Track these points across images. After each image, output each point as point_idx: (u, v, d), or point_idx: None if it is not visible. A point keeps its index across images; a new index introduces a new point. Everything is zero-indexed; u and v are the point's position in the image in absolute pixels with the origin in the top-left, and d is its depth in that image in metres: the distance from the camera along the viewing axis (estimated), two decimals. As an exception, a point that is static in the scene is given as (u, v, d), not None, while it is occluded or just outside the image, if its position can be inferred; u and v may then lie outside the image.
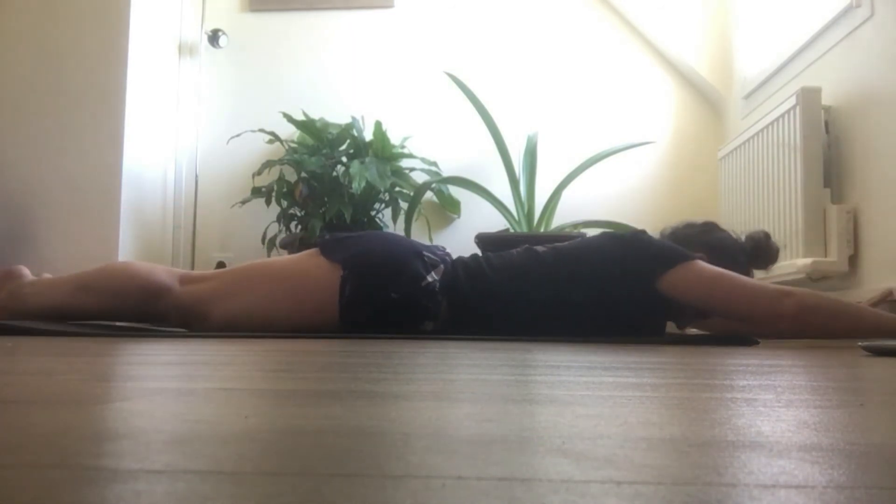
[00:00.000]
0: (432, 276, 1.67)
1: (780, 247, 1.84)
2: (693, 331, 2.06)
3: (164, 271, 1.73)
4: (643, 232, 1.75)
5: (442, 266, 1.70)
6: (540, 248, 1.75)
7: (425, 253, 1.71)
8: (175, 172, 3.32)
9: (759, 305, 1.55)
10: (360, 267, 1.67)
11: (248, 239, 3.27)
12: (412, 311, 1.67)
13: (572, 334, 1.65)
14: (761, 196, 2.51)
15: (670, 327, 1.83)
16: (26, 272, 1.79)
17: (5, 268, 1.80)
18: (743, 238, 1.84)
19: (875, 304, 1.76)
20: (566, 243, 1.76)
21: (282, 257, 1.77)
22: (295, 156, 2.96)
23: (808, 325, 1.54)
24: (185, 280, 1.72)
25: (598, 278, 1.65)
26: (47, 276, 1.87)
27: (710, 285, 1.58)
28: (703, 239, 1.79)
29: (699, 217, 1.94)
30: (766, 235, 1.82)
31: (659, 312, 1.69)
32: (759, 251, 1.80)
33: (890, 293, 1.81)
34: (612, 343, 1.50)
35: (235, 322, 1.68)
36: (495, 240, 2.63)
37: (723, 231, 1.85)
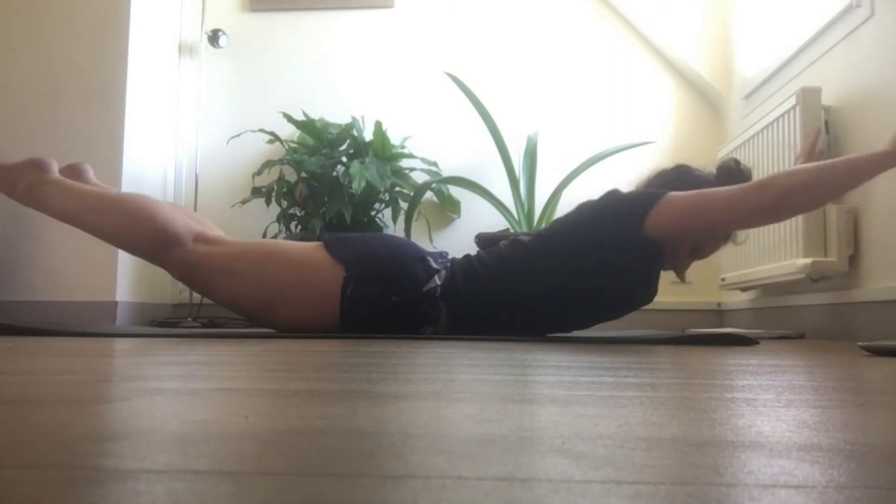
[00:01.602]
0: (434, 282, 1.68)
1: (750, 168, 1.86)
2: (693, 331, 2.05)
3: (183, 222, 1.71)
4: (614, 190, 1.76)
5: (444, 272, 1.70)
6: (525, 238, 1.76)
7: (428, 258, 1.72)
8: (175, 172, 3.32)
9: (743, 207, 1.56)
10: (362, 268, 1.67)
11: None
12: (412, 315, 1.67)
13: (576, 320, 1.66)
14: (761, 196, 2.51)
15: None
16: (55, 167, 1.78)
17: (35, 157, 1.79)
18: (714, 171, 1.86)
19: (811, 149, 1.82)
20: (545, 228, 1.77)
21: (291, 242, 1.76)
22: (295, 156, 2.95)
23: (797, 202, 1.56)
24: (199, 238, 1.70)
25: (587, 247, 1.66)
26: (89, 172, 1.84)
27: (691, 208, 1.60)
28: (679, 183, 1.81)
29: (669, 163, 1.95)
30: (735, 161, 1.85)
31: (652, 259, 1.68)
32: (732, 177, 1.82)
33: (818, 132, 1.86)
34: (612, 343, 1.50)
35: (235, 298, 1.68)
36: (495, 240, 2.63)
37: (695, 169, 1.87)
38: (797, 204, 1.56)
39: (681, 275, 1.84)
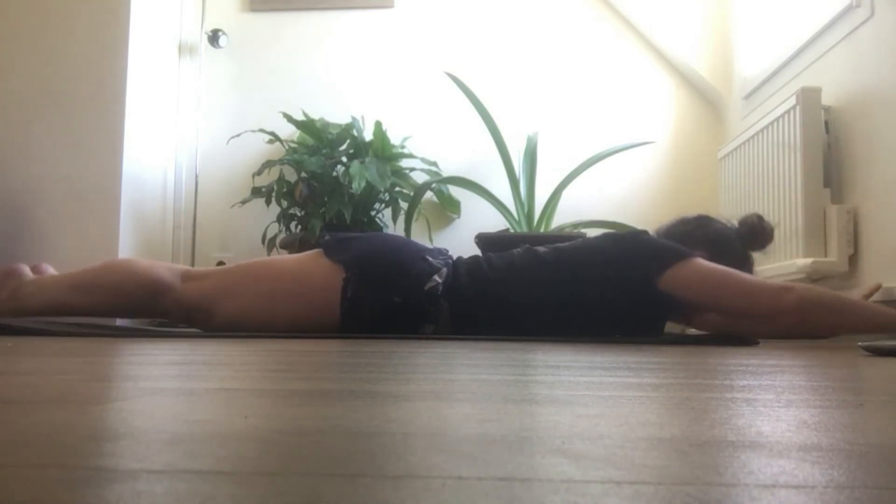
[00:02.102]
0: (434, 280, 1.67)
1: (773, 226, 1.86)
2: (693, 331, 2.05)
3: (166, 268, 1.73)
4: (644, 232, 1.76)
5: (445, 270, 1.70)
6: (541, 249, 1.75)
7: (428, 256, 1.71)
8: (175, 172, 3.32)
9: (759, 301, 1.56)
10: (362, 269, 1.66)
11: (248, 239, 3.27)
12: (414, 313, 1.67)
13: (573, 335, 1.65)
14: (761, 196, 2.51)
15: (670, 327, 1.83)
16: (27, 271, 1.78)
17: (5, 267, 1.80)
18: (736, 224, 1.86)
19: (866, 297, 1.77)
20: (566, 244, 1.76)
21: (285, 256, 1.77)
22: (295, 156, 2.96)
23: (809, 321, 1.54)
24: (186, 277, 1.72)
25: (599, 278, 1.65)
26: (49, 269, 1.86)
27: (710, 282, 1.59)
28: (699, 234, 1.81)
29: (692, 212, 1.95)
30: (759, 217, 1.85)
31: (659, 311, 1.70)
32: (755, 234, 1.83)
33: (879, 287, 1.82)
34: (612, 343, 1.50)
35: (237, 321, 1.67)
36: (495, 240, 2.63)
37: (716, 222, 1.87)
38: (810, 321, 1.55)
39: (682, 325, 1.86)
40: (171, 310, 1.71)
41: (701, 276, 1.60)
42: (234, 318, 1.67)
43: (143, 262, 1.77)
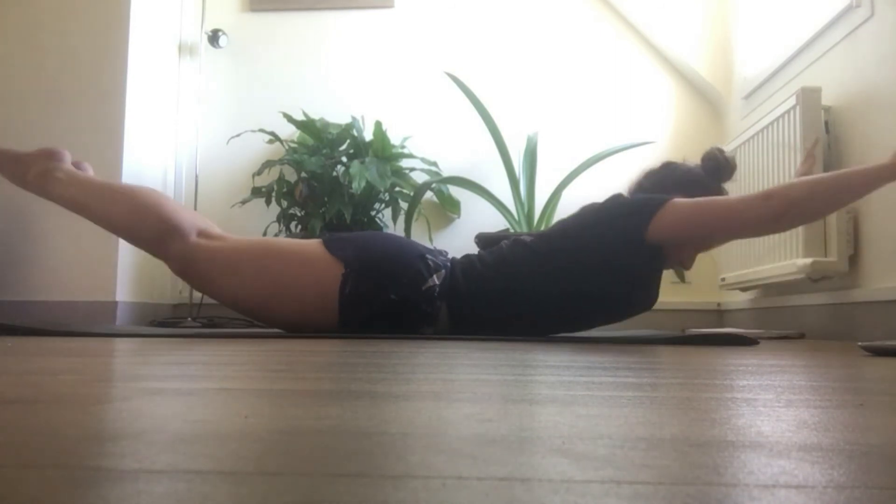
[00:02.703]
0: (433, 280, 1.67)
1: (734, 156, 1.86)
2: (693, 331, 2.05)
3: (188, 217, 1.73)
4: (618, 194, 1.78)
5: (444, 271, 1.70)
6: (527, 238, 1.76)
7: (428, 256, 1.71)
8: (175, 172, 3.32)
9: (747, 217, 1.57)
10: (361, 266, 1.66)
11: (248, 239, 3.26)
12: (411, 313, 1.67)
13: (573, 318, 1.66)
14: (761, 196, 2.51)
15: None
16: (67, 157, 1.81)
17: (50, 147, 1.81)
18: (700, 163, 1.87)
19: (808, 160, 1.83)
20: (549, 228, 1.78)
21: (292, 241, 1.76)
22: (295, 156, 2.95)
23: (803, 212, 1.57)
24: (202, 234, 1.72)
25: (589, 249, 1.66)
26: (89, 169, 1.86)
27: (695, 217, 1.61)
28: (669, 181, 1.82)
29: (655, 162, 1.96)
30: (719, 150, 1.87)
31: (654, 263, 1.69)
32: (720, 167, 1.84)
33: (817, 141, 1.86)
34: (612, 343, 1.50)
35: (236, 296, 1.68)
36: (495, 240, 2.63)
37: (682, 165, 1.88)
38: (800, 214, 1.57)
39: (681, 275, 1.85)
40: (173, 259, 1.71)
41: (685, 214, 1.61)
42: (231, 291, 1.67)
43: (172, 202, 1.77)
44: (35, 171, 1.75)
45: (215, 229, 1.76)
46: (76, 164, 1.85)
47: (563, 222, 1.77)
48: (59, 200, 1.73)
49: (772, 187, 1.60)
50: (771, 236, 2.38)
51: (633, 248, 1.64)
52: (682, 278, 1.87)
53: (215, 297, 1.71)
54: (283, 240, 1.76)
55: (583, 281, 1.66)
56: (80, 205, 1.71)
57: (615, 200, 1.73)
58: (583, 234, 1.69)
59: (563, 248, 1.69)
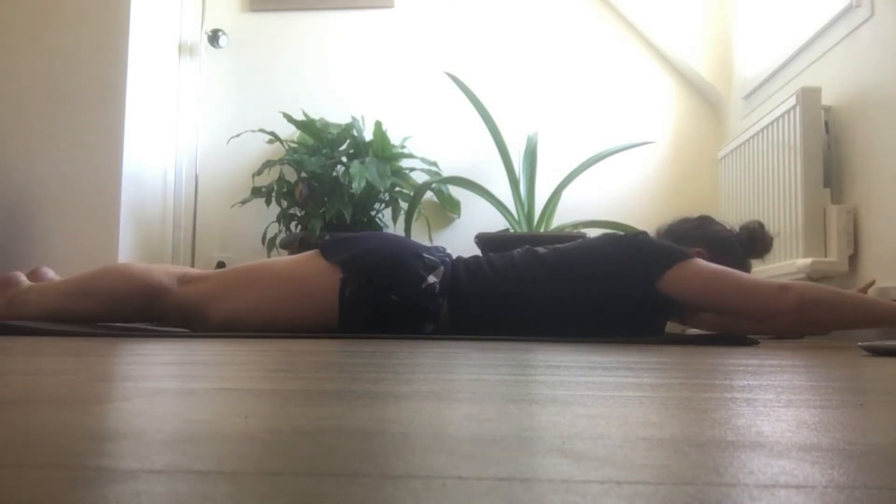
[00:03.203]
0: (432, 278, 1.67)
1: (773, 235, 1.86)
2: (693, 331, 2.06)
3: (163, 272, 1.72)
4: (643, 233, 1.76)
5: (442, 267, 1.70)
6: (541, 250, 1.75)
7: (425, 254, 1.71)
8: (175, 172, 3.32)
9: (758, 301, 1.56)
10: (359, 269, 1.66)
11: (248, 239, 3.27)
12: (412, 312, 1.67)
13: (573, 335, 1.65)
14: (761, 196, 2.51)
15: (671, 327, 1.83)
16: (23, 278, 1.78)
17: (1, 275, 1.80)
18: (737, 229, 1.86)
19: (862, 292, 1.78)
20: (567, 245, 1.77)
21: (282, 258, 1.77)
22: (295, 156, 2.95)
23: (809, 319, 1.55)
24: (183, 280, 1.71)
25: (599, 279, 1.65)
26: (49, 272, 1.86)
27: (710, 283, 1.59)
28: (699, 233, 1.81)
29: (695, 212, 1.95)
30: (760, 225, 1.85)
31: (659, 311, 1.70)
32: (755, 241, 1.83)
33: (873, 283, 1.83)
34: (612, 343, 1.50)
35: (234, 322, 1.67)
36: (495, 240, 2.63)
37: (718, 224, 1.87)
38: (811, 319, 1.54)
39: (687, 324, 1.86)
40: (169, 313, 1.71)
41: (701, 277, 1.60)
42: (231, 321, 1.67)
43: (139, 266, 1.76)
44: (1, 303, 1.72)
45: (193, 272, 1.77)
46: (35, 274, 1.83)
47: (581, 244, 1.75)
48: (40, 318, 1.68)
49: (793, 282, 1.59)
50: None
51: (643, 292, 1.63)
52: (685, 325, 1.89)
53: (219, 328, 1.70)
54: (272, 261, 1.76)
55: (590, 305, 1.66)
56: (62, 313, 1.68)
57: (639, 239, 1.71)
58: (598, 262, 1.67)
59: (576, 271, 1.68)
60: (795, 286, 1.55)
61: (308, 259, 1.72)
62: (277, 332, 1.70)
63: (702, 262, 1.62)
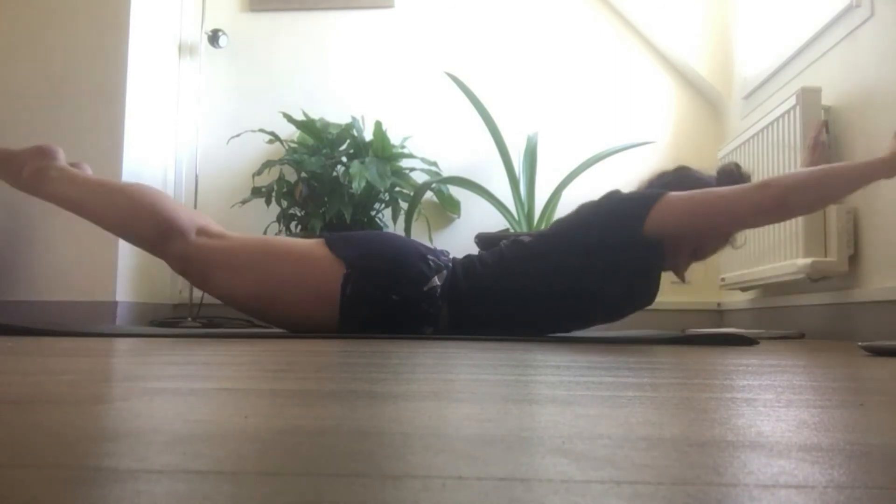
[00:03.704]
0: (435, 281, 1.67)
1: (749, 174, 1.86)
2: (693, 331, 2.05)
3: (187, 215, 1.70)
4: (616, 191, 1.77)
5: (445, 271, 1.70)
6: (525, 238, 1.76)
7: (429, 256, 1.71)
8: (175, 172, 3.32)
9: (744, 202, 1.57)
10: (362, 267, 1.66)
11: (248, 239, 3.26)
12: (412, 313, 1.67)
13: (572, 316, 1.66)
14: (761, 196, 2.51)
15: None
16: (61, 156, 1.77)
17: (42, 144, 1.78)
18: (714, 173, 1.86)
19: (813, 143, 1.84)
20: (548, 228, 1.78)
21: (295, 239, 1.75)
22: (295, 156, 2.95)
23: (799, 203, 1.57)
24: (201, 232, 1.70)
25: (588, 246, 1.66)
26: (87, 169, 1.83)
27: (693, 205, 1.60)
28: (678, 183, 1.81)
29: (670, 165, 1.96)
30: (737, 165, 1.86)
31: (654, 259, 1.68)
32: (733, 180, 1.83)
33: (820, 124, 1.86)
34: (611, 343, 1.50)
35: (236, 295, 1.67)
36: (495, 240, 2.63)
37: (696, 171, 1.87)
38: (797, 204, 1.57)
39: (680, 275, 1.84)
40: (173, 258, 1.69)
41: (682, 203, 1.61)
42: (231, 289, 1.66)
43: (170, 202, 1.73)
44: (29, 170, 1.72)
45: (214, 227, 1.75)
46: (75, 164, 1.83)
47: (560, 221, 1.76)
48: (54, 199, 1.69)
49: (769, 177, 1.60)
50: (771, 236, 2.38)
51: (632, 243, 1.64)
52: (681, 278, 1.85)
53: (216, 295, 1.71)
54: (285, 238, 1.76)
55: (581, 279, 1.66)
56: (76, 204, 1.68)
57: (611, 197, 1.73)
58: (581, 232, 1.68)
59: (561, 247, 1.68)
60: (772, 179, 1.57)
61: (317, 246, 1.71)
62: (275, 318, 1.70)
63: (676, 194, 1.64)
